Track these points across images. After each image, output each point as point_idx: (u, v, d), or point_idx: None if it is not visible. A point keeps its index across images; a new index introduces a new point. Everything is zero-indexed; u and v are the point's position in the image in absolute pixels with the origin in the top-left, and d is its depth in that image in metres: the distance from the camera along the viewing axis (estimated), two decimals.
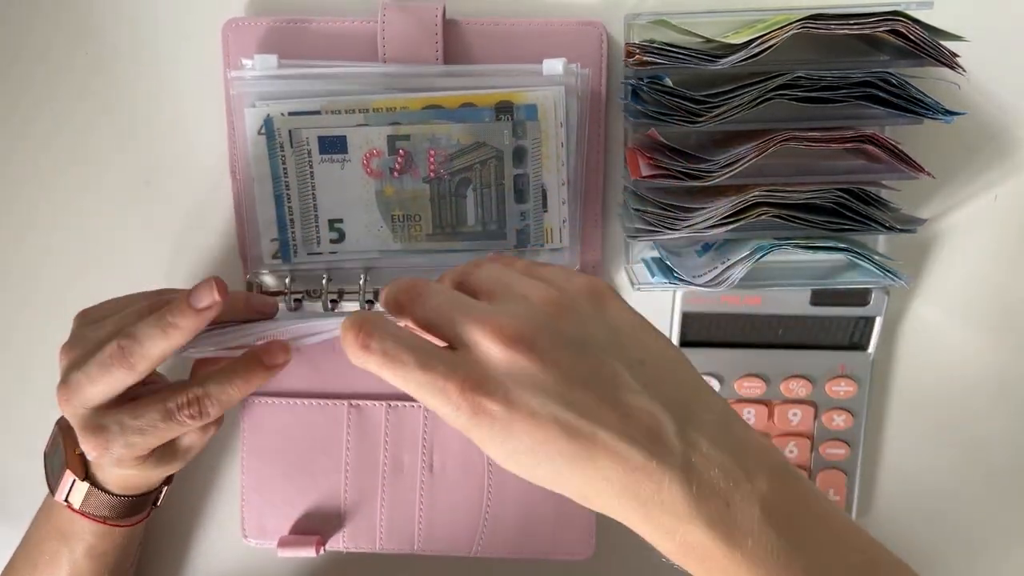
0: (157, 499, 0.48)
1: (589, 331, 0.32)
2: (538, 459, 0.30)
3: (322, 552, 0.51)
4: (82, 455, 0.44)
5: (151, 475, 0.44)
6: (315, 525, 0.51)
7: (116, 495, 0.44)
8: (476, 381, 0.30)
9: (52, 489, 0.44)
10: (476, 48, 0.48)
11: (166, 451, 0.43)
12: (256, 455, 0.51)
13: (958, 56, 0.42)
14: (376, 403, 0.51)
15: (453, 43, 0.48)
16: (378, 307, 0.38)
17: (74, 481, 0.43)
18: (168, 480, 0.48)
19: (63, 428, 0.45)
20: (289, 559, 0.52)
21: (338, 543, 0.51)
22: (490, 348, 0.30)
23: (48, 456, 0.45)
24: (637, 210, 0.46)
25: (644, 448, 0.29)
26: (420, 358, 0.30)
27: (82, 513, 0.44)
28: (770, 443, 0.32)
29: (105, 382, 0.39)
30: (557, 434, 0.29)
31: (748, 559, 0.29)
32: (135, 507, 0.46)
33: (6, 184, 0.51)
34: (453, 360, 0.30)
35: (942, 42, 0.42)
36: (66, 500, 0.44)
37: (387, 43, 0.47)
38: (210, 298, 0.39)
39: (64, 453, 0.44)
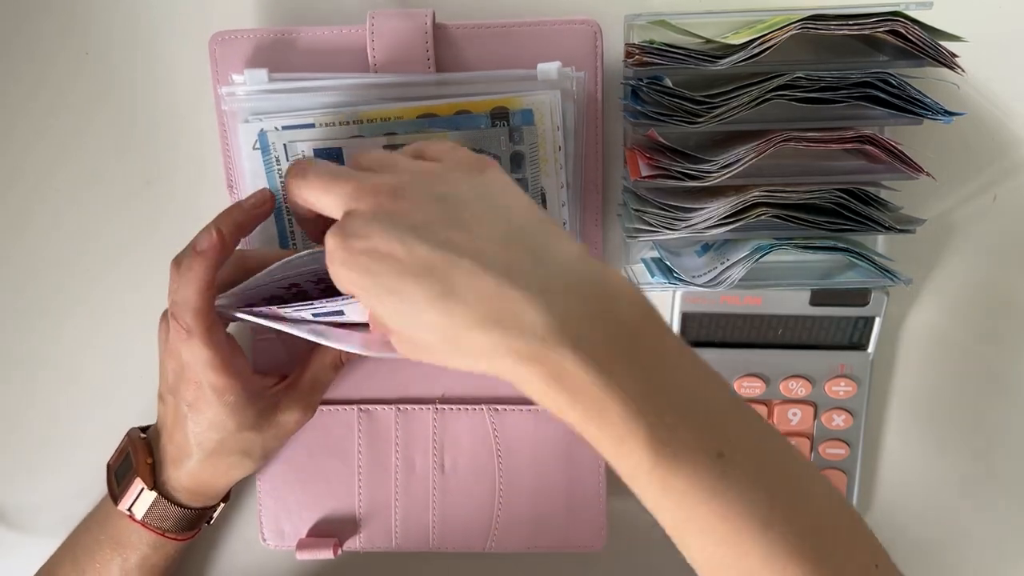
0: (212, 517, 0.49)
1: (458, 189, 0.34)
2: (401, 298, 0.32)
3: (340, 553, 0.51)
4: (152, 464, 0.45)
5: (230, 471, 0.46)
6: (332, 528, 0.52)
7: (181, 506, 0.45)
8: (345, 231, 0.33)
9: (116, 499, 0.45)
10: (468, 53, 0.48)
11: (260, 422, 0.44)
12: (272, 462, 0.51)
13: (957, 56, 0.42)
14: (386, 407, 0.51)
15: (444, 49, 0.47)
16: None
17: (142, 490, 0.44)
18: (226, 497, 0.49)
19: (132, 439, 0.46)
20: (308, 560, 0.53)
21: (355, 544, 0.52)
22: (360, 202, 0.33)
23: (113, 467, 0.46)
24: (637, 210, 0.46)
25: (500, 275, 0.30)
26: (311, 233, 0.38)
27: (143, 524, 0.45)
28: (626, 280, 0.33)
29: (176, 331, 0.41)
30: (418, 269, 0.31)
31: (617, 384, 0.29)
32: (193, 521, 0.47)
33: (6, 185, 0.51)
34: (341, 226, 0.34)
35: (941, 42, 0.42)
36: (129, 510, 0.44)
37: (377, 52, 0.47)
38: (208, 241, 0.40)
39: (135, 462, 0.45)
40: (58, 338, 0.52)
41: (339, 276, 0.34)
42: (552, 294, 0.30)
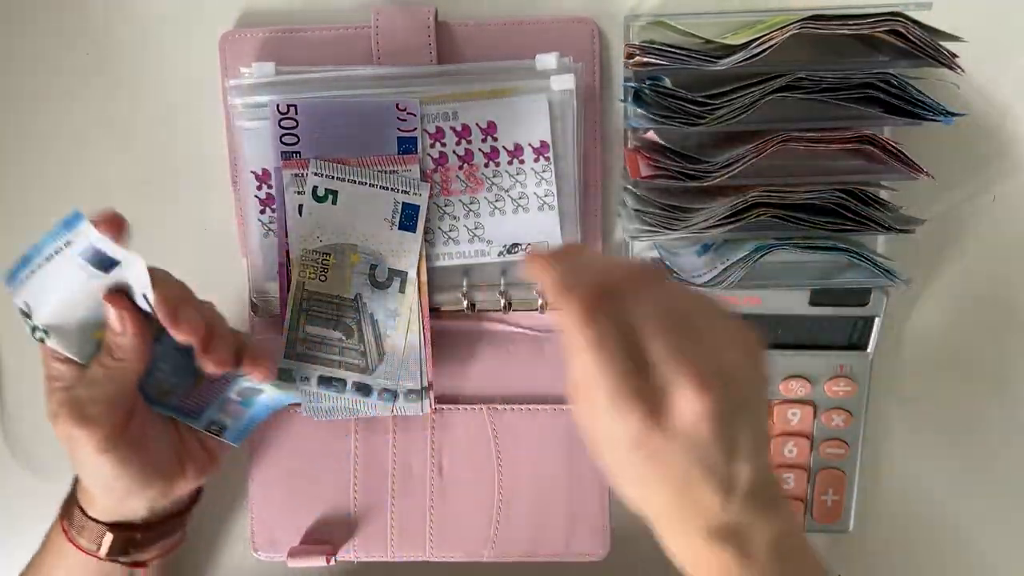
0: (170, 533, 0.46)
1: (751, 407, 0.34)
2: (640, 484, 0.34)
3: (333, 562, 0.51)
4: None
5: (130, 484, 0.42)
6: (325, 535, 0.51)
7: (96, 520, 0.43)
8: (642, 427, 0.32)
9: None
10: (469, 49, 0.49)
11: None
12: (265, 466, 0.51)
13: (957, 56, 0.42)
14: None
15: (446, 45, 0.48)
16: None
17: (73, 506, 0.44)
18: (180, 516, 0.47)
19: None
20: (302, 570, 0.52)
21: (349, 552, 0.51)
22: (686, 398, 0.31)
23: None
24: (637, 210, 0.46)
25: (721, 504, 0.33)
26: (626, 367, 0.32)
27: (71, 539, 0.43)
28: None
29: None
30: (673, 484, 0.33)
31: None
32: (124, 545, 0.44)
33: (7, 184, 0.51)
34: (651, 392, 0.32)
35: (941, 43, 0.42)
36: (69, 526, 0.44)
37: (381, 48, 0.48)
38: (116, 317, 0.39)
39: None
40: None
41: (602, 421, 0.33)
42: (734, 494, 0.33)
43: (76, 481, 0.45)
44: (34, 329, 0.39)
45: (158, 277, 0.39)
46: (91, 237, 0.37)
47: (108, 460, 0.40)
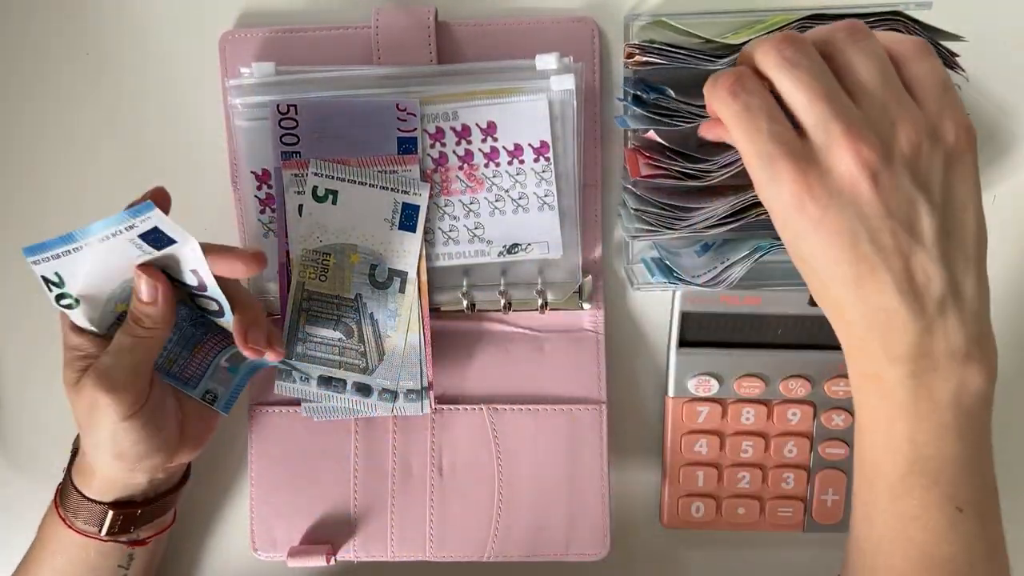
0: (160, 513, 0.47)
1: (929, 187, 0.33)
2: (816, 264, 0.34)
3: (333, 562, 0.51)
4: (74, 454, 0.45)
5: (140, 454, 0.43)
6: (325, 534, 0.51)
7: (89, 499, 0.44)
8: (809, 184, 0.32)
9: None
10: (469, 50, 0.49)
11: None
12: (264, 465, 0.51)
13: (957, 56, 0.42)
14: None
15: (446, 45, 0.48)
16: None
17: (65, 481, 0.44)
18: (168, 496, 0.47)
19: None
20: (302, 569, 0.52)
21: (349, 552, 0.51)
22: (840, 161, 0.32)
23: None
24: (637, 210, 0.46)
25: (906, 303, 0.33)
26: (775, 132, 0.33)
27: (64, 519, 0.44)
28: (993, 343, 0.37)
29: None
30: (847, 258, 0.33)
31: (914, 419, 0.34)
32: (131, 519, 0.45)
33: (7, 184, 0.51)
34: (802, 151, 0.33)
35: (941, 42, 0.42)
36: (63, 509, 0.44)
37: (381, 48, 0.48)
38: (150, 286, 0.40)
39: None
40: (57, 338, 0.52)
41: (766, 198, 0.34)
42: (930, 335, 0.34)
43: (69, 467, 0.45)
44: (61, 296, 0.40)
45: (241, 292, 0.41)
46: (156, 220, 0.37)
47: (130, 426, 0.41)
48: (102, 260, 0.39)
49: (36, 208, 0.52)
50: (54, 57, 0.51)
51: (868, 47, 0.34)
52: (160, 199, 0.40)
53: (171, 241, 0.38)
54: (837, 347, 0.50)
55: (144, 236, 0.38)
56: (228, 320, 0.43)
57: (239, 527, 0.53)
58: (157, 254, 0.39)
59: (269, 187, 0.48)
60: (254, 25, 0.49)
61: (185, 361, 0.46)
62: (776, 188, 0.33)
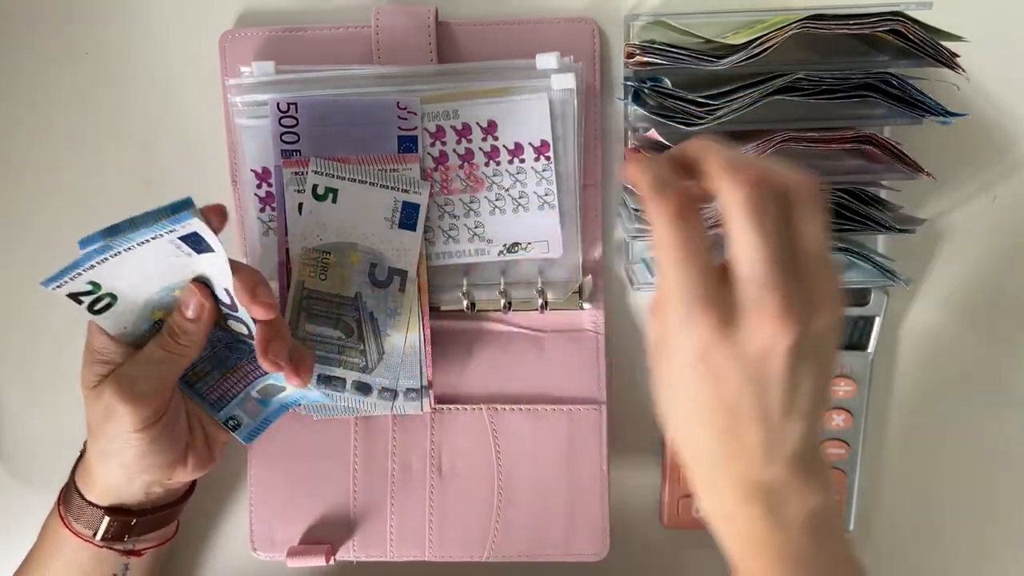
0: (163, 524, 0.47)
1: (823, 365, 0.33)
2: (690, 410, 0.33)
3: (332, 561, 0.51)
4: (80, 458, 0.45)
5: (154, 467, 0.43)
6: (325, 534, 0.51)
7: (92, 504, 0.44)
8: (718, 344, 0.31)
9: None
10: (469, 49, 0.49)
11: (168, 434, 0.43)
12: (264, 465, 0.51)
13: (958, 56, 0.42)
14: None
15: (446, 45, 0.48)
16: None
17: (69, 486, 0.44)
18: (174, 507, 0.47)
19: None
20: (301, 569, 0.52)
21: (348, 552, 0.51)
22: (763, 333, 0.31)
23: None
24: (637, 210, 0.46)
25: (765, 456, 0.33)
26: (706, 278, 0.31)
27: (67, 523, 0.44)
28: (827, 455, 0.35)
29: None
30: (723, 415, 0.32)
31: (778, 548, 0.33)
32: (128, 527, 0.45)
33: (7, 183, 0.51)
34: (724, 307, 0.31)
35: (942, 42, 0.42)
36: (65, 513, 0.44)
37: (381, 47, 0.48)
38: (197, 304, 0.40)
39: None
40: (59, 336, 0.52)
41: (668, 324, 0.33)
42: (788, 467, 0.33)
43: (75, 469, 0.45)
44: (97, 301, 0.39)
45: (238, 263, 0.40)
46: (196, 226, 0.37)
47: (142, 437, 0.41)
48: (142, 262, 0.38)
49: (36, 208, 0.52)
50: (54, 57, 0.51)
51: (820, 217, 0.32)
52: (220, 213, 0.39)
53: (209, 248, 0.38)
54: (838, 347, 0.50)
55: (184, 239, 0.38)
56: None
57: (239, 527, 0.53)
58: (194, 258, 0.39)
59: (269, 185, 0.48)
60: (254, 25, 0.49)
61: (214, 381, 0.45)
62: (686, 331, 0.32)
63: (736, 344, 0.31)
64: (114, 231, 0.37)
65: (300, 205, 0.47)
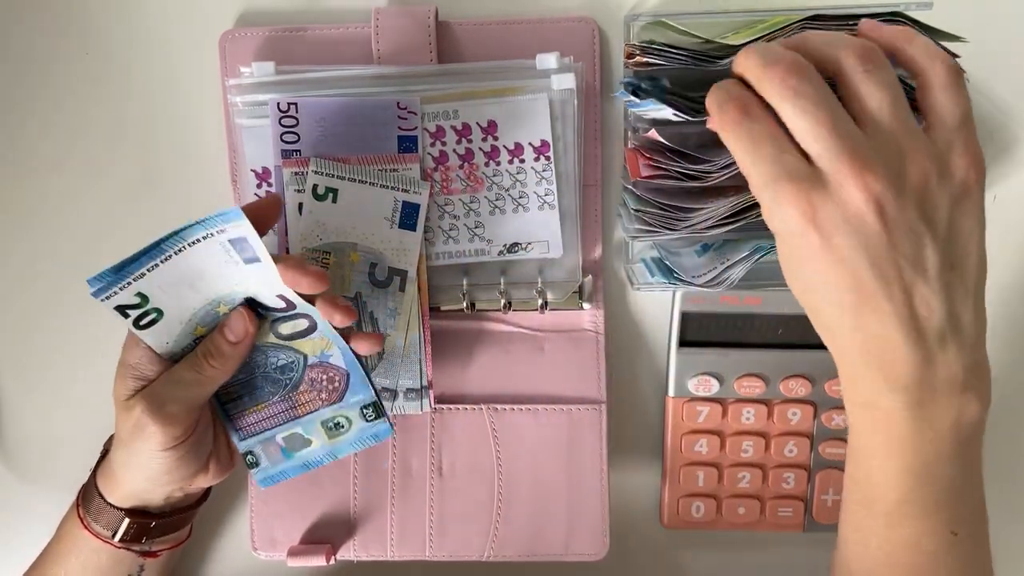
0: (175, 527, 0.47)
1: (934, 221, 0.33)
2: (816, 290, 0.34)
3: (333, 561, 0.51)
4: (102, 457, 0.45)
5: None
6: (325, 534, 0.51)
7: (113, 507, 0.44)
8: (814, 209, 0.32)
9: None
10: (469, 49, 0.49)
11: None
12: None
13: (958, 56, 0.42)
14: None
15: (446, 45, 0.48)
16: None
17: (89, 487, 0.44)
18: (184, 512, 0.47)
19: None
20: (301, 569, 0.52)
21: (349, 551, 0.51)
22: (849, 192, 0.32)
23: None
24: (637, 210, 0.46)
25: (907, 334, 0.33)
26: (779, 157, 0.32)
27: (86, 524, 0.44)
28: (988, 371, 0.36)
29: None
30: (848, 285, 0.33)
31: (913, 448, 0.34)
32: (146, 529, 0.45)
33: (6, 184, 0.51)
34: (808, 176, 0.32)
35: (941, 42, 0.42)
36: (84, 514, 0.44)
37: (381, 47, 0.48)
38: (242, 329, 0.40)
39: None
40: (58, 336, 0.52)
41: (770, 225, 0.34)
42: (929, 367, 0.34)
43: (96, 469, 0.45)
44: (143, 315, 0.39)
45: (277, 255, 0.39)
46: (247, 229, 0.36)
47: (169, 455, 0.41)
48: (190, 267, 0.38)
49: (36, 209, 0.52)
50: (54, 57, 0.51)
51: (879, 78, 0.33)
52: (270, 207, 0.39)
53: (255, 259, 0.38)
54: None
55: (233, 242, 0.37)
56: (323, 331, 0.42)
57: (239, 526, 0.53)
58: (244, 268, 0.39)
59: (269, 185, 0.48)
60: (254, 25, 0.49)
61: (244, 409, 0.44)
62: (780, 211, 0.33)
63: (829, 211, 0.32)
64: (158, 242, 0.37)
65: (300, 205, 0.47)
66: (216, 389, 0.42)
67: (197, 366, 0.40)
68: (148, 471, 0.42)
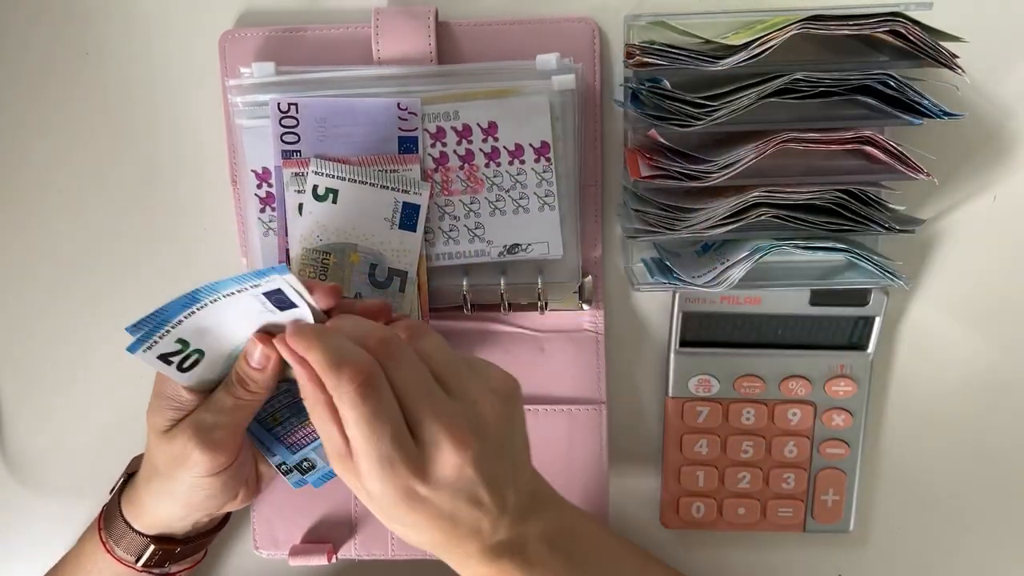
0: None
1: (506, 451, 0.39)
2: (418, 532, 0.38)
3: (334, 560, 0.51)
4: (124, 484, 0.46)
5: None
6: (327, 533, 0.51)
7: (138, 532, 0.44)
8: (418, 477, 0.36)
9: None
10: (469, 49, 0.49)
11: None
12: (266, 464, 0.51)
13: (957, 57, 0.42)
14: None
15: (446, 45, 0.48)
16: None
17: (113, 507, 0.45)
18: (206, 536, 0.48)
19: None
20: (303, 568, 0.52)
21: (350, 550, 0.51)
22: (446, 453, 0.36)
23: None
24: (637, 210, 0.46)
25: (480, 542, 0.38)
26: (393, 433, 0.35)
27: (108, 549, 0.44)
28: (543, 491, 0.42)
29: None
30: (442, 532, 0.37)
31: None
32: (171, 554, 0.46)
33: (7, 185, 0.51)
34: (412, 451, 0.36)
35: (941, 43, 0.42)
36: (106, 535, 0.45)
37: (381, 48, 0.48)
38: (261, 356, 0.40)
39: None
40: (58, 336, 0.52)
41: (373, 493, 0.37)
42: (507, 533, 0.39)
43: (119, 492, 0.45)
44: (186, 359, 0.39)
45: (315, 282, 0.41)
46: (280, 283, 0.37)
47: (213, 482, 0.41)
48: (226, 317, 0.38)
49: (36, 209, 0.52)
50: (54, 57, 0.51)
51: (429, 337, 0.39)
52: (334, 295, 0.40)
53: (292, 305, 0.38)
54: (837, 347, 0.50)
55: (268, 295, 0.37)
56: None
57: (241, 525, 0.53)
58: (279, 315, 0.39)
59: (269, 186, 0.48)
60: (254, 25, 0.49)
61: (293, 427, 0.45)
62: (390, 485, 0.36)
63: (433, 480, 0.36)
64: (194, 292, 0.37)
65: (300, 206, 0.47)
66: (256, 411, 0.42)
67: (234, 392, 0.40)
68: (188, 498, 0.42)
